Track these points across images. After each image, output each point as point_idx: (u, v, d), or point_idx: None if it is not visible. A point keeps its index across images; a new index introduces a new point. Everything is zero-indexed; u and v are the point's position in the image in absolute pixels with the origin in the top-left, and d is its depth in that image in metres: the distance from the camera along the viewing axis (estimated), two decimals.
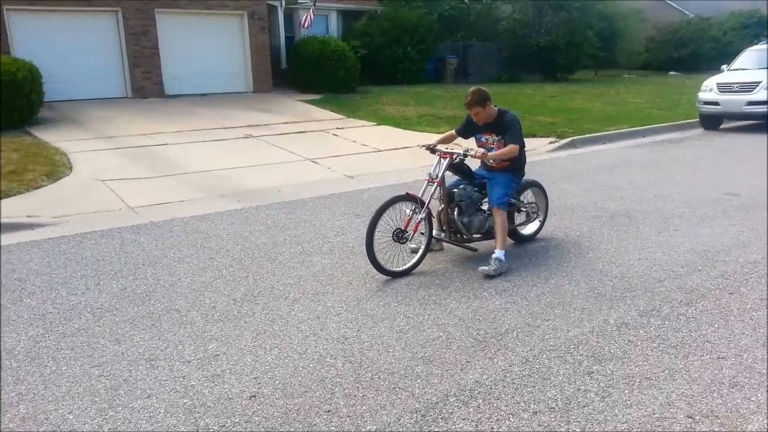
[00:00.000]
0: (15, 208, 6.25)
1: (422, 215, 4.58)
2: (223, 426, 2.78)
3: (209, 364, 3.31)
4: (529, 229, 5.47)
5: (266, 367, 3.29)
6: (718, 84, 12.52)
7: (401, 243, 4.57)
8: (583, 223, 5.97)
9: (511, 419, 2.84)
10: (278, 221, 6.08)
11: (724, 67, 13.72)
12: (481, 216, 4.87)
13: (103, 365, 3.31)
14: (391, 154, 9.58)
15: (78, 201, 6.64)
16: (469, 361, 3.35)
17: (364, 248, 4.46)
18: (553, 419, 2.83)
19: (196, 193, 7.18)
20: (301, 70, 16.74)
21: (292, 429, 2.76)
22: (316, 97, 15.36)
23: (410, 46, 19.76)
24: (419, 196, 4.60)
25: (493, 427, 2.78)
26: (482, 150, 4.71)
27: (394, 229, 4.54)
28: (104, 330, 3.73)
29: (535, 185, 5.47)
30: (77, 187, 7.19)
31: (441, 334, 3.68)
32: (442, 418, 2.84)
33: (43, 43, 12.80)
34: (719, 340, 3.57)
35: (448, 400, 2.99)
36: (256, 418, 2.84)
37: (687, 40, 30.41)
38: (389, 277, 4.54)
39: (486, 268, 4.56)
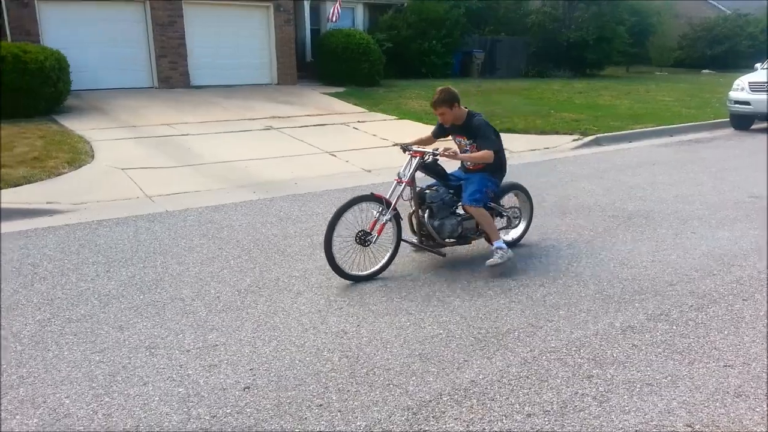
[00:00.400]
0: (36, 194, 6.39)
1: (387, 217, 4.34)
2: (215, 416, 2.80)
3: (207, 354, 3.34)
4: (511, 235, 5.16)
5: (263, 359, 3.30)
6: (750, 83, 12.13)
7: (364, 246, 4.33)
8: (599, 222, 5.86)
9: (503, 421, 2.79)
10: (291, 213, 6.09)
11: (757, 65, 13.30)
12: (454, 220, 4.61)
13: (104, 351, 3.37)
14: None
15: (97, 189, 6.76)
16: (466, 360, 3.32)
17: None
18: (546, 422, 2.78)
19: (214, 183, 7.25)
20: (326, 63, 16.76)
21: (283, 422, 2.76)
22: (340, 90, 15.36)
23: (436, 39, 19.61)
24: (386, 196, 4.38)
25: (485, 428, 2.74)
26: (454, 149, 4.53)
27: (358, 230, 4.32)
28: (109, 317, 3.79)
29: (517, 188, 5.19)
30: (97, 174, 7.32)
31: (441, 331, 3.65)
32: (433, 417, 2.82)
33: (72, 32, 13.03)
34: (727, 347, 3.47)
35: (441, 398, 2.96)
36: (248, 410, 2.85)
37: (722, 37, 29.55)
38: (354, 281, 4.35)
39: (492, 260, 4.50)
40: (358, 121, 11.43)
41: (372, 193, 4.41)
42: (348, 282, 4.35)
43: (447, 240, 4.66)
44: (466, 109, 4.59)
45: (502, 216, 5.03)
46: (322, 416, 2.81)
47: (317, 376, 3.15)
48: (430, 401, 2.94)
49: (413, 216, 4.63)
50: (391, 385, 3.07)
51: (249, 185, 7.21)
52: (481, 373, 3.19)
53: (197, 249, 5.02)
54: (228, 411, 2.84)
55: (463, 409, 2.88)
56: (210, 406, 2.87)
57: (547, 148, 9.95)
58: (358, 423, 2.77)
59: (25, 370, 3.17)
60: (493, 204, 4.83)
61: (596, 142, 10.48)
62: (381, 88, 16.14)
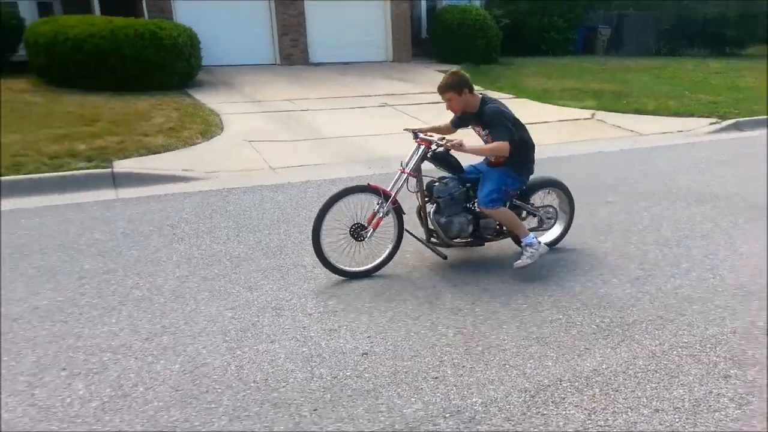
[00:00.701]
0: (173, 161, 6.91)
1: (385, 210, 3.96)
2: (336, 377, 2.92)
3: (328, 319, 3.48)
4: (544, 238, 4.50)
5: (380, 328, 3.38)
6: None
7: (357, 240, 3.99)
8: (739, 213, 5.37)
9: (628, 413, 2.67)
10: (404, 188, 6.13)
11: None
12: (463, 218, 4.10)
13: (236, 309, 3.60)
14: (528, 128, 9.28)
15: (227, 159, 7.19)
16: (588, 348, 3.20)
17: None
18: (677, 419, 2.62)
19: (331, 157, 7.47)
20: (441, 40, 16.58)
21: (399, 390, 2.82)
22: (455, 67, 15.15)
23: (557, 15, 18.75)
24: (388, 188, 3.99)
25: (607, 419, 2.64)
26: (459, 140, 3.93)
27: (354, 223, 3.98)
28: (240, 277, 4.04)
29: (553, 184, 4.53)
30: (227, 146, 7.78)
31: (560, 316, 3.54)
32: (552, 402, 2.75)
33: (201, 10, 13.79)
34: None
35: (560, 384, 2.88)
36: (366, 375, 2.94)
37: None
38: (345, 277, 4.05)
39: (520, 261, 4.02)
40: None
41: (368, 184, 4.03)
42: (463, 259, 4.33)
43: (454, 240, 4.17)
44: (481, 95, 4.07)
45: (533, 216, 4.47)
46: (438, 388, 2.84)
47: (432, 349, 3.18)
48: (549, 386, 2.87)
49: (421, 210, 4.22)
50: (508, 366, 3.03)
51: (364, 160, 7.35)
52: (605, 362, 3.06)
53: None
54: (348, 374, 2.95)
55: (585, 398, 2.78)
56: (331, 367, 3.00)
57: (681, 131, 9.25)
58: (474, 399, 2.77)
59: (167, 321, 3.47)
60: (518, 202, 4.30)
61: (736, 127, 9.59)
62: (498, 66, 15.74)
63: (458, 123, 4.31)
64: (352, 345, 3.20)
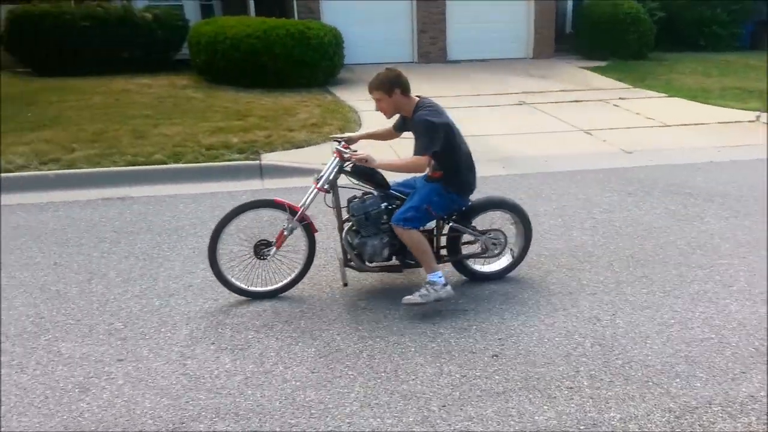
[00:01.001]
0: (314, 155, 7.27)
1: (291, 227, 3.65)
2: (465, 376, 2.91)
3: (458, 318, 3.47)
4: (491, 266, 3.99)
5: (511, 331, 3.31)
6: None
7: (260, 259, 3.70)
8: None
9: None
10: (541, 191, 5.95)
11: None
12: (378, 240, 3.61)
13: (368, 299, 3.72)
14: (680, 130, 8.54)
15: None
16: (744, 372, 2.90)
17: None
18: None
19: None
20: (587, 35, 15.79)
21: (531, 396, 2.75)
22: (601, 64, 14.38)
23: (720, 7, 17.06)
24: (300, 203, 3.65)
25: None
26: (365, 155, 3.53)
27: (259, 240, 3.71)
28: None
29: (503, 206, 3.95)
30: (364, 141, 8.02)
31: (713, 336, 3.24)
32: (700, 425, 2.54)
33: (347, 9, 14.33)
34: None
35: (710, 407, 2.64)
36: (496, 377, 2.90)
37: None
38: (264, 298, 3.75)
39: (410, 297, 3.49)
40: (619, 98, 10.59)
41: (274, 199, 3.77)
42: (601, 267, 4.11)
43: (367, 263, 3.72)
44: (417, 99, 3.64)
45: (477, 241, 3.87)
46: (572, 399, 2.73)
47: (567, 357, 3.06)
48: (697, 408, 2.65)
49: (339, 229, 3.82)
50: (651, 383, 2.84)
51: (499, 159, 7.22)
52: (763, 389, 2.76)
53: None
54: (477, 374, 2.93)
55: (738, 425, 2.53)
56: (461, 365, 2.99)
57: None
58: (612, 413, 2.63)
59: (305, 306, 3.67)
60: (457, 225, 3.78)
61: None
62: (648, 62, 14.68)
63: (402, 127, 3.84)
64: (482, 345, 3.17)
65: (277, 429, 2.59)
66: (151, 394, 2.84)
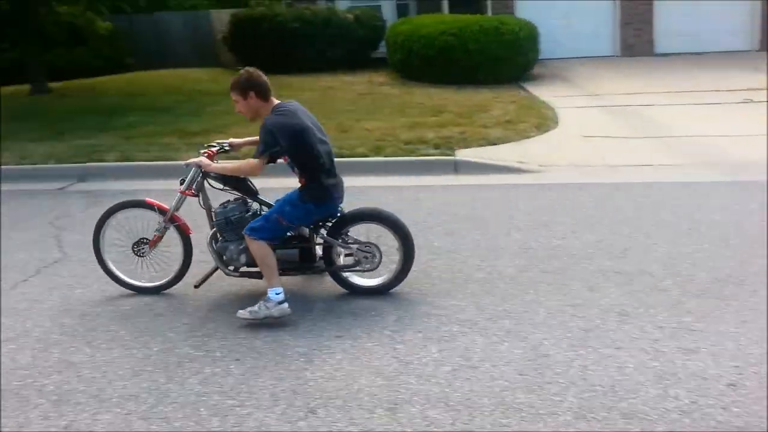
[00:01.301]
0: (508, 153, 7.13)
1: (162, 227, 3.82)
2: (695, 402, 2.61)
3: (683, 337, 3.14)
4: (371, 280, 3.82)
5: (751, 360, 2.91)
6: None
7: (139, 257, 3.90)
8: None
9: None
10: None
11: None
12: (235, 246, 3.65)
13: (576, 306, 3.53)
14: None
15: (561, 153, 7.10)
16: None
17: None
18: None
19: (678, 158, 6.75)
20: None
21: None
22: None
23: None
24: (170, 204, 3.80)
25: None
26: (198, 159, 3.71)
27: (138, 238, 3.87)
28: (578, 275, 3.95)
29: (376, 218, 3.73)
30: (562, 140, 7.69)
31: None
32: None
33: (545, 3, 13.84)
34: None
35: None
36: (734, 409, 2.56)
37: None
38: None
39: (243, 311, 3.47)
40: None
41: (145, 200, 3.93)
42: None
43: (229, 268, 3.74)
44: (277, 103, 3.56)
45: (348, 253, 3.75)
46: None
47: None
48: None
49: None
50: None
51: (720, 164, 6.44)
52: None
53: (665, 225, 4.76)
54: (710, 402, 2.61)
55: None
56: (690, 390, 2.69)
57: None
58: None
59: (509, 305, 3.59)
60: (327, 237, 3.68)
61: None
62: None
63: None
64: (715, 372, 2.82)
65: (488, 426, 2.56)
66: (367, 372, 2.99)
